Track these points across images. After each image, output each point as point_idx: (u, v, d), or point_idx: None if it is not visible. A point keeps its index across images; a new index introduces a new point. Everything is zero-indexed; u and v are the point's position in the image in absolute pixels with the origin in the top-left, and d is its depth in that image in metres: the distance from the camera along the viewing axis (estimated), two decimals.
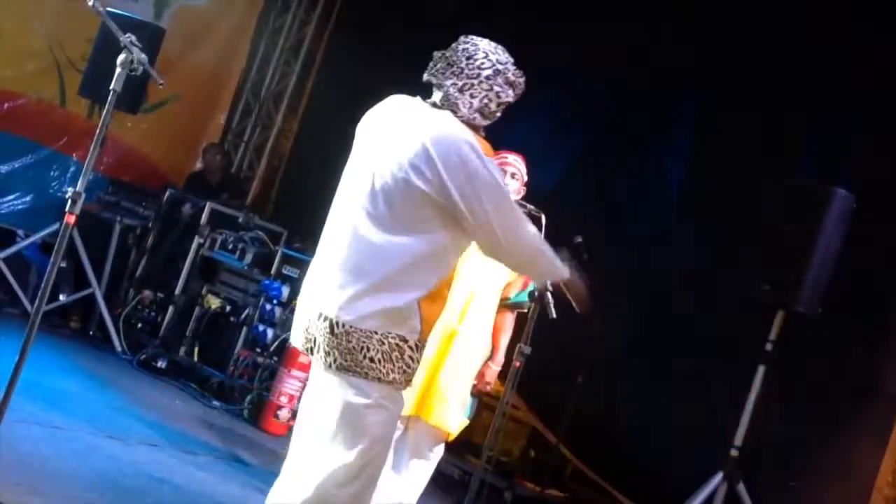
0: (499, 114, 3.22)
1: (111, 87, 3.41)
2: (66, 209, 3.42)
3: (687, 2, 6.77)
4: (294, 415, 6.23)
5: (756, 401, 5.40)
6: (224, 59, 9.19)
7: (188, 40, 8.72)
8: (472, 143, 2.97)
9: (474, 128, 3.14)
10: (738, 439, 5.39)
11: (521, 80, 3.24)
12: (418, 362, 3.08)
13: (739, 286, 5.52)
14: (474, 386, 4.62)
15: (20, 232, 7.51)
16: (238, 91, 9.44)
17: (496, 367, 4.68)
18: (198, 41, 8.84)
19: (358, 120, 3.50)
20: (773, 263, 5.33)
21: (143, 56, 3.44)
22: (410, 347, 3.01)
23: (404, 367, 3.01)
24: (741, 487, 5.26)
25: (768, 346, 5.42)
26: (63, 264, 6.69)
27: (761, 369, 5.41)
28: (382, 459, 3.17)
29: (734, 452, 5.37)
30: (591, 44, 6.94)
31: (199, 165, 8.93)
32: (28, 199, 7.83)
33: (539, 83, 7.21)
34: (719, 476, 5.30)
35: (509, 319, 4.77)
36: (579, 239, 5.70)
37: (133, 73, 3.46)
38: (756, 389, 5.40)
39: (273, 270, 6.86)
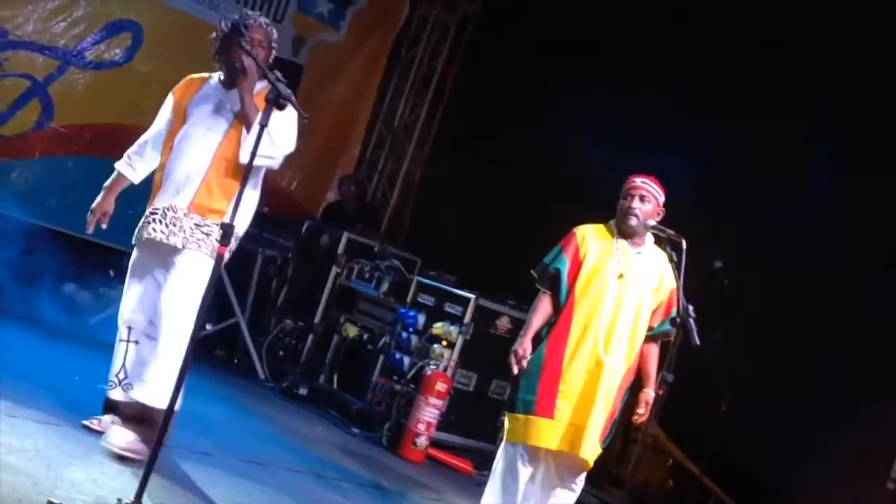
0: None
1: (258, 122, 3.53)
2: (219, 242, 3.55)
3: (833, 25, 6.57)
4: (432, 442, 6.29)
5: None
6: (357, 91, 9.41)
7: (324, 74, 8.97)
8: None
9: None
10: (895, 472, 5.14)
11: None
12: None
13: (890, 305, 5.28)
14: (638, 416, 4.56)
15: None
16: (371, 122, 9.65)
17: (652, 391, 4.59)
18: (333, 75, 9.09)
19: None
20: None
21: (289, 91, 3.56)
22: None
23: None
24: None
25: None
26: None
27: None
28: None
29: (891, 486, 5.12)
30: (729, 63, 6.82)
31: (334, 196, 9.14)
32: None
33: (672, 102, 7.20)
34: None
35: (655, 348, 4.70)
36: (719, 264, 5.59)
37: (279, 108, 3.57)
38: None
39: (408, 299, 6.94)
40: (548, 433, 4.47)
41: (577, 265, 4.56)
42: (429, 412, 6.21)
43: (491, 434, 6.61)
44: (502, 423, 4.73)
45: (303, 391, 7.02)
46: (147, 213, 4.42)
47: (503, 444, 4.66)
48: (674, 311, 4.59)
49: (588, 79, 7.94)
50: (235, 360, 7.42)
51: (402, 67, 9.62)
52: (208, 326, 7.35)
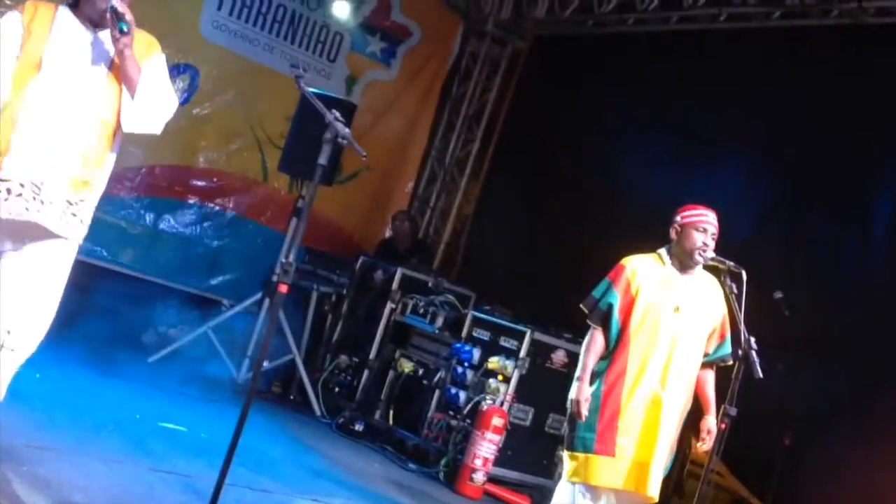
0: None
1: (318, 162, 3.57)
2: (277, 279, 3.57)
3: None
4: (489, 478, 6.24)
5: None
6: (410, 128, 9.51)
7: (376, 113, 9.08)
8: None
9: None
10: None
11: None
12: None
13: None
14: (701, 444, 4.48)
15: (225, 301, 7.94)
16: (423, 158, 9.72)
17: (713, 418, 4.50)
18: (385, 113, 9.19)
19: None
20: None
21: (348, 130, 3.59)
22: None
23: None
24: None
25: None
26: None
27: None
28: None
29: None
30: (786, 86, 6.77)
31: (388, 232, 9.20)
32: (235, 271, 8.30)
33: (732, 130, 7.15)
34: None
35: (711, 374, 4.62)
36: (779, 294, 5.49)
37: (338, 147, 3.61)
38: None
39: (463, 333, 6.92)
40: (610, 472, 4.39)
41: (629, 300, 4.48)
42: (485, 447, 6.17)
43: (548, 469, 6.54)
44: (559, 458, 4.67)
45: (359, 427, 7.02)
46: None
47: (563, 481, 4.60)
48: (728, 336, 4.53)
49: (640, 110, 7.93)
50: (292, 396, 7.46)
51: (454, 103, 9.69)
52: (265, 363, 7.39)
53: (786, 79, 6.94)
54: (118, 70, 3.68)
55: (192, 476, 4.49)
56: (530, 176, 8.79)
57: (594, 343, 4.53)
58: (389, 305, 7.48)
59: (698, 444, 4.50)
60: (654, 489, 4.37)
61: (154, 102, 3.73)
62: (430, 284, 7.60)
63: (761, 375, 4.09)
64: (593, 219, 7.78)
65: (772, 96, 6.96)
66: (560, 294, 5.61)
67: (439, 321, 7.25)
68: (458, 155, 9.71)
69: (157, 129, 3.78)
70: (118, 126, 3.73)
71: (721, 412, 4.23)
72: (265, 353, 3.61)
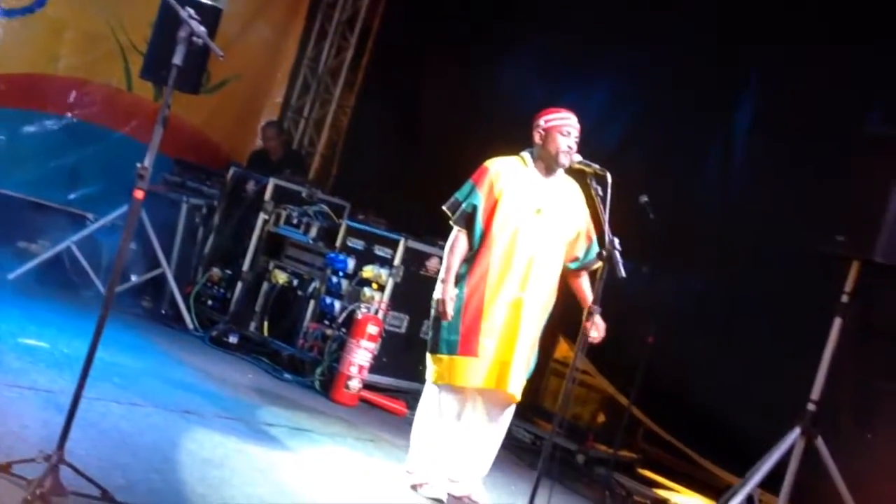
0: None
1: (173, 62, 3.42)
2: (135, 185, 3.45)
3: None
4: (365, 385, 6.29)
5: (832, 354, 5.28)
6: (281, 35, 9.24)
7: (245, 19, 8.77)
8: None
9: None
10: (815, 394, 5.28)
11: None
12: None
13: (813, 238, 5.39)
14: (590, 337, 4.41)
15: (90, 216, 7.66)
16: (295, 67, 9.49)
17: (597, 316, 4.43)
18: (254, 19, 8.89)
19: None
20: (847, 213, 5.20)
21: (202, 29, 3.45)
22: None
23: None
24: (819, 442, 5.16)
25: (844, 298, 5.30)
26: (133, 246, 6.80)
27: (837, 322, 5.29)
28: None
29: (811, 407, 5.27)
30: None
31: (260, 143, 9.01)
32: (100, 184, 7.98)
33: (601, 40, 7.19)
34: (796, 431, 5.21)
35: (585, 278, 4.74)
36: (645, 198, 5.64)
37: (193, 46, 3.46)
38: (832, 342, 5.28)
39: (338, 243, 6.89)
40: (474, 372, 4.49)
41: (492, 201, 4.54)
42: (361, 355, 6.21)
43: (423, 375, 6.62)
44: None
45: (233, 339, 6.98)
46: None
47: (427, 384, 4.68)
48: (594, 238, 4.64)
49: (517, 19, 7.89)
50: (163, 311, 7.30)
51: (326, 9, 9.44)
52: (133, 277, 7.22)
53: None
54: None
55: (55, 391, 4.38)
56: (406, 86, 8.69)
57: (458, 244, 4.58)
58: (262, 216, 7.37)
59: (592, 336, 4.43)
60: (514, 386, 4.49)
61: None
62: (303, 195, 7.50)
63: (624, 275, 4.20)
64: (467, 128, 7.78)
65: (639, 11, 7.02)
66: (434, 203, 5.62)
67: (313, 231, 7.20)
68: (332, 64, 9.51)
69: None
70: None
71: (585, 312, 4.34)
72: (123, 259, 3.49)
